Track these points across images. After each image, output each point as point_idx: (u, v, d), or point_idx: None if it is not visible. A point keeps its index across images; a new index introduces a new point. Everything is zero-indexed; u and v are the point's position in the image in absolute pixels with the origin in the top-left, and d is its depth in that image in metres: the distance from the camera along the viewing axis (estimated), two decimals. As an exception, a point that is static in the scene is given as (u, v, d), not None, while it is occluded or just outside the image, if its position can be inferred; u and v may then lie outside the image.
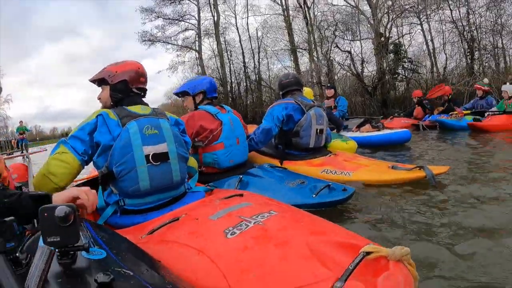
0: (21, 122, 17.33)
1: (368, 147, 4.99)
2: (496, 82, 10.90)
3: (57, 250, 0.74)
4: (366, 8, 16.46)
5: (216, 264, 1.02)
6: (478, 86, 7.34)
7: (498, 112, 6.39)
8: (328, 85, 7.28)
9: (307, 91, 4.85)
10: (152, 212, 1.66)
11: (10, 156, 15.04)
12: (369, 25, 16.34)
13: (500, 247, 1.58)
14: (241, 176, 2.53)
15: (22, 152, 15.72)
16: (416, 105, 8.74)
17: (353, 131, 5.54)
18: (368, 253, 0.85)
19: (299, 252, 0.99)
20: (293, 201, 2.10)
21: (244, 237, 1.12)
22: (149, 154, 1.63)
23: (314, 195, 2.27)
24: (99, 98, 1.91)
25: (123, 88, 1.83)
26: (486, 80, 8.08)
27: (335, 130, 5.02)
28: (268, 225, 1.19)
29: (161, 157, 1.68)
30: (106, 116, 1.66)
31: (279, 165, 3.10)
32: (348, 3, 16.93)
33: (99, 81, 1.87)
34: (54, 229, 0.72)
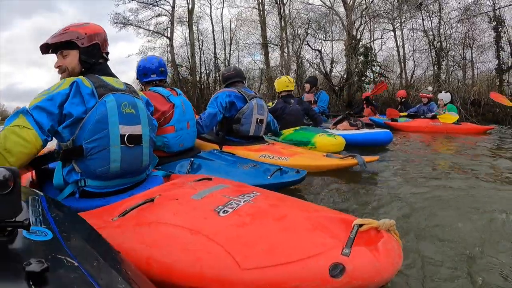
0: None
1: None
2: (460, 91, 11.11)
3: None
4: (341, 9, 16.37)
5: (216, 242, 0.99)
6: (423, 94, 7.97)
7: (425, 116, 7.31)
8: (306, 79, 7.23)
9: (283, 79, 4.83)
10: (113, 196, 1.49)
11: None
12: (342, 26, 16.24)
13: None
14: (192, 159, 2.50)
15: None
16: (365, 105, 9.43)
17: (329, 128, 5.12)
18: (360, 226, 0.97)
19: (301, 225, 1.05)
20: (249, 182, 1.98)
21: (239, 214, 1.13)
22: (125, 135, 1.49)
23: (268, 177, 2.29)
24: (59, 66, 1.62)
25: (95, 53, 1.62)
26: (430, 88, 8.87)
27: (311, 126, 5.00)
28: (259, 204, 1.21)
29: (135, 140, 1.54)
30: (80, 83, 1.45)
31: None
32: (324, 3, 16.72)
33: (63, 44, 1.59)
34: None
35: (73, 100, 1.41)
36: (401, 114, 7.99)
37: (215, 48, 20.50)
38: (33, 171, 1.76)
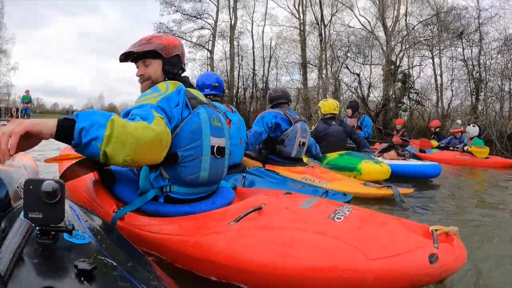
0: (27, 91, 17.12)
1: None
2: (497, 124, 11.09)
3: (37, 227, 0.69)
4: (381, 34, 16.66)
5: (343, 241, 1.20)
6: (454, 130, 8.14)
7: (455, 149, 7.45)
8: (349, 104, 7.10)
9: (332, 102, 4.93)
10: (196, 203, 1.59)
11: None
12: (381, 51, 16.51)
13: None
14: (244, 174, 2.65)
15: (23, 122, 15.80)
16: (394, 132, 9.45)
17: (374, 155, 5.02)
18: (435, 230, 1.21)
19: (399, 228, 1.29)
20: None
21: (351, 220, 1.33)
22: (215, 146, 1.58)
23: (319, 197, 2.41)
24: (141, 75, 1.68)
25: (177, 63, 1.70)
26: (459, 122, 9.01)
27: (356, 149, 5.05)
28: (359, 213, 1.42)
29: (221, 151, 1.63)
30: (182, 91, 1.51)
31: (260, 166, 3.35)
32: (364, 27, 17.14)
33: (146, 53, 1.65)
34: (37, 205, 0.68)
35: (178, 107, 1.46)
36: (434, 144, 8.11)
37: (254, 64, 21.35)
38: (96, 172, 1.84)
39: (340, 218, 1.33)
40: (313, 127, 4.83)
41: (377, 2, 16.43)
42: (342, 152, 4.47)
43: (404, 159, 4.81)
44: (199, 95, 1.68)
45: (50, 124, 1.01)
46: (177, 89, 1.50)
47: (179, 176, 1.51)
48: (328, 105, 4.86)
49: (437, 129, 9.60)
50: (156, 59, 1.65)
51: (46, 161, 2.34)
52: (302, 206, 1.43)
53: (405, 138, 8.75)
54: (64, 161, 2.66)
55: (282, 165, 3.47)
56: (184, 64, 1.77)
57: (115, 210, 1.58)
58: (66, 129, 1.04)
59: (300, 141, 3.58)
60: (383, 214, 1.54)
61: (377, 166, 3.94)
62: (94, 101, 77.46)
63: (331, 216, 1.34)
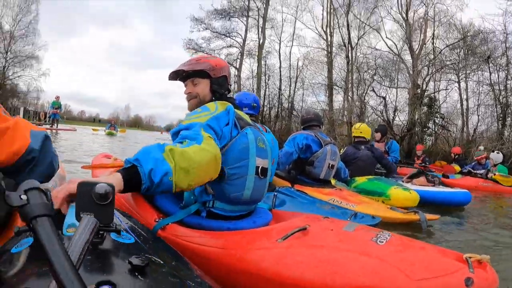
0: (57, 97, 17.80)
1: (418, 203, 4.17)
2: None
3: None
4: (407, 57, 16.70)
5: (388, 262, 1.27)
6: (478, 157, 8.11)
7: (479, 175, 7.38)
8: (376, 127, 7.14)
9: (365, 128, 4.97)
10: (237, 220, 1.63)
11: (38, 127, 16.05)
12: (407, 75, 16.49)
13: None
14: (275, 193, 2.66)
15: (51, 126, 16.70)
16: (416, 157, 9.50)
17: (403, 181, 5.03)
18: (469, 258, 1.25)
19: (436, 253, 1.34)
20: None
21: (392, 244, 1.40)
22: (259, 166, 1.60)
23: (348, 219, 2.47)
24: (189, 93, 1.74)
25: (224, 84, 1.75)
26: (481, 148, 9.10)
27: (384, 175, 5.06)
28: (398, 238, 1.48)
29: (264, 172, 1.65)
30: (231, 111, 1.54)
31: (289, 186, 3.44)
32: (391, 50, 17.23)
33: (195, 73, 1.71)
34: (89, 205, 0.72)
35: (228, 126, 1.49)
36: (456, 168, 8.11)
37: (280, 84, 21.72)
38: None
39: (382, 242, 1.39)
40: (341, 151, 4.83)
41: (404, 25, 16.49)
42: (370, 177, 4.49)
43: (433, 185, 4.79)
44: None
45: (115, 181, 0.99)
46: (227, 109, 1.52)
47: (224, 192, 1.54)
48: (361, 129, 4.91)
49: (457, 156, 9.62)
50: (205, 78, 1.70)
51: (83, 167, 2.47)
52: (345, 229, 1.49)
53: (424, 164, 8.71)
54: (99, 169, 2.83)
55: (310, 186, 3.54)
56: (230, 85, 1.81)
57: (157, 220, 1.63)
58: (132, 179, 1.07)
59: (329, 164, 3.66)
60: (419, 240, 1.62)
61: (406, 193, 3.95)
62: (120, 111, 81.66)
63: (373, 240, 1.40)
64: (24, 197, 0.62)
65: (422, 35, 16.18)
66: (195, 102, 1.73)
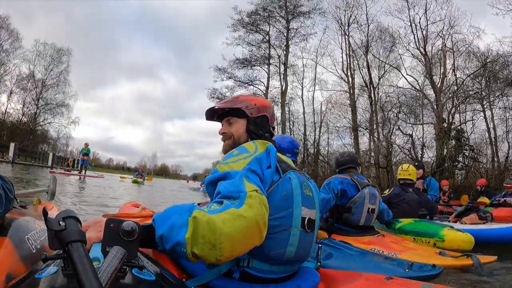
0: (86, 144, 18.63)
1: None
2: None
3: None
4: (430, 92, 16.97)
5: None
6: (508, 184, 7.70)
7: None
8: (416, 164, 6.92)
9: (413, 170, 4.86)
10: (277, 284, 1.38)
11: (67, 172, 17.06)
12: (431, 110, 16.59)
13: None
14: (319, 246, 2.49)
15: (80, 172, 17.64)
16: (441, 194, 9.07)
17: (449, 220, 4.79)
18: None
19: None
20: (390, 273, 2.07)
21: None
22: (306, 218, 1.38)
23: (406, 270, 2.39)
24: (224, 133, 1.61)
25: (263, 125, 1.60)
26: None
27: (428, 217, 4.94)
28: None
29: (311, 225, 1.43)
30: (272, 152, 1.35)
31: (327, 237, 3.33)
32: (413, 86, 17.52)
33: (231, 111, 1.60)
34: (115, 241, 0.76)
35: (269, 169, 1.31)
36: (482, 201, 7.66)
37: (305, 129, 22.30)
38: None
39: None
40: (387, 192, 4.71)
41: (423, 60, 16.84)
42: (415, 218, 4.36)
43: (486, 222, 4.52)
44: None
45: None
46: (267, 150, 1.35)
47: (262, 249, 1.28)
48: (410, 171, 4.79)
49: (484, 188, 9.21)
50: (241, 118, 1.58)
51: (104, 216, 2.36)
52: None
53: (448, 201, 8.59)
54: (124, 219, 3.05)
55: (349, 235, 3.34)
56: (273, 128, 1.66)
57: None
58: (149, 239, 1.01)
59: (368, 208, 3.43)
60: None
61: (461, 234, 3.72)
62: (147, 159, 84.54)
63: None
64: (62, 223, 0.69)
65: (442, 67, 16.42)
66: (229, 143, 1.58)
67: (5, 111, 28.43)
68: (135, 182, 18.83)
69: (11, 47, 27.55)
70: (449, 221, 4.69)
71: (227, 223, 0.98)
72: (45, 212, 0.72)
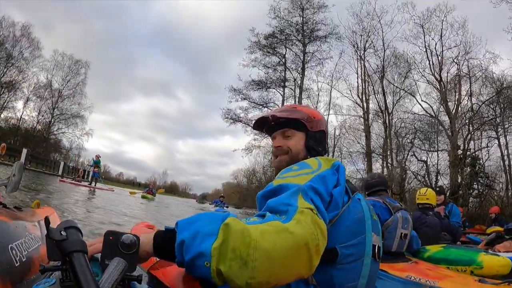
0: (97, 156, 19.02)
1: None
2: None
3: None
4: (445, 118, 17.21)
5: None
6: None
7: None
8: (437, 189, 6.80)
9: (432, 194, 4.76)
10: None
11: (77, 183, 17.41)
12: (446, 136, 16.80)
13: None
14: None
15: (90, 184, 17.94)
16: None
17: (479, 247, 4.65)
18: None
19: None
20: None
21: None
22: (375, 245, 1.24)
23: None
24: (278, 146, 1.41)
25: (321, 141, 1.45)
26: None
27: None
28: None
29: (379, 253, 1.27)
30: (342, 169, 1.21)
31: None
32: (427, 112, 17.82)
33: (288, 123, 1.42)
34: (114, 253, 0.77)
35: (338, 187, 1.14)
36: (494, 229, 7.66)
37: (318, 153, 22.20)
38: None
39: None
40: None
41: (438, 86, 17.11)
42: (443, 244, 4.20)
43: None
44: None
45: (146, 240, 0.86)
46: (333, 166, 1.18)
47: (333, 282, 1.13)
48: (428, 195, 4.69)
49: (497, 216, 9.21)
50: (300, 131, 1.42)
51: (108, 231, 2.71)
52: None
53: (463, 229, 8.32)
54: None
55: (382, 261, 3.46)
56: (328, 145, 1.53)
57: None
58: (167, 244, 0.85)
59: (401, 233, 3.30)
60: None
61: (500, 259, 3.56)
62: (158, 176, 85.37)
63: None
64: (63, 233, 0.70)
65: (457, 94, 16.66)
66: (285, 159, 1.39)
67: (20, 117, 29.46)
68: (144, 197, 18.46)
69: (31, 55, 28.60)
70: (479, 248, 4.54)
71: (266, 236, 0.79)
72: (47, 221, 0.69)
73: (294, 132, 1.41)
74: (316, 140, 1.42)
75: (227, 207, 17.97)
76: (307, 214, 0.88)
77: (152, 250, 0.87)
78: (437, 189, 7.18)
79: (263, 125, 1.52)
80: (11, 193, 2.56)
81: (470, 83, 16.49)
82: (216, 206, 17.34)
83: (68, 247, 0.68)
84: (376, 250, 1.24)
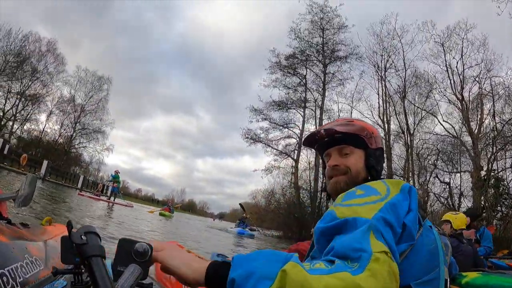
0: (116, 171, 19.52)
1: None
2: None
3: None
4: (468, 138, 17.15)
5: None
6: None
7: None
8: (464, 211, 6.61)
9: (461, 216, 4.69)
10: None
11: (96, 197, 17.94)
12: (469, 157, 16.76)
13: None
14: None
15: (109, 198, 18.45)
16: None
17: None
18: None
19: None
20: None
21: None
22: (447, 279, 1.08)
23: None
24: (335, 166, 1.21)
25: (380, 160, 1.26)
26: None
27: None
28: None
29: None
30: (414, 194, 1.00)
31: None
32: (449, 133, 17.80)
33: (346, 137, 1.22)
34: (127, 261, 0.78)
35: (411, 214, 0.94)
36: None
37: (338, 174, 22.18)
38: None
39: None
40: None
41: (460, 106, 17.13)
42: (482, 271, 4.06)
43: None
44: None
45: (199, 269, 0.81)
46: (403, 190, 0.97)
47: None
48: (461, 219, 4.55)
49: None
50: (359, 148, 1.23)
51: None
52: None
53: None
54: None
55: None
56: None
57: None
58: (218, 278, 0.78)
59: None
60: None
61: None
62: (176, 194, 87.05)
63: None
64: (84, 237, 0.73)
65: (479, 113, 16.59)
66: (344, 179, 1.21)
67: (43, 129, 30.67)
68: (162, 215, 18.65)
69: (55, 70, 30.01)
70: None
71: None
72: (70, 226, 0.73)
73: (353, 149, 1.22)
74: (376, 159, 1.23)
75: (251, 229, 17.67)
76: (384, 263, 0.74)
77: (204, 280, 0.82)
78: (469, 210, 6.97)
79: (315, 142, 1.31)
80: (21, 207, 2.30)
81: (493, 102, 16.49)
82: (237, 227, 17.35)
83: (88, 251, 0.71)
84: (448, 285, 1.08)
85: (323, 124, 21.35)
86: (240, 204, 21.83)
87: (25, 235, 1.43)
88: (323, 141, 1.27)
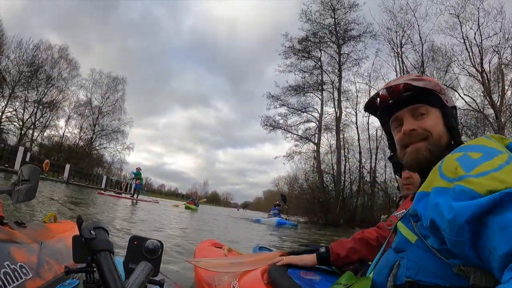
0: (138, 168, 19.87)
1: None
2: None
3: None
4: (490, 111, 17.09)
5: None
6: None
7: None
8: None
9: None
10: None
11: (117, 195, 18.38)
12: (492, 130, 16.68)
13: None
14: None
15: (132, 196, 19.03)
16: None
17: None
18: None
19: None
20: None
21: None
22: None
23: None
24: (412, 130, 1.02)
25: (456, 119, 1.09)
26: None
27: None
28: None
29: None
30: None
31: None
32: (471, 107, 17.76)
33: (418, 96, 1.03)
34: (138, 258, 0.83)
35: None
36: None
37: (360, 156, 22.76)
38: None
39: None
40: None
41: (480, 78, 16.91)
42: None
43: None
44: None
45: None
46: (510, 146, 0.81)
47: None
48: None
49: None
50: (434, 107, 1.04)
51: (186, 261, 2.36)
52: None
53: None
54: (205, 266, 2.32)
55: None
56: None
57: None
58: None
59: None
60: None
61: None
62: (199, 187, 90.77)
63: None
64: (93, 232, 0.75)
65: (500, 85, 16.36)
66: (424, 146, 1.01)
67: (63, 134, 32.17)
68: (187, 208, 19.01)
69: (69, 75, 31.25)
70: None
71: None
72: (80, 220, 0.74)
73: (429, 108, 1.04)
74: (455, 119, 1.08)
75: (286, 218, 17.57)
76: None
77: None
78: None
79: (381, 104, 1.13)
80: (21, 203, 1.91)
81: (515, 70, 16.28)
82: (271, 217, 17.35)
83: (97, 245, 0.72)
84: None
85: (341, 105, 21.64)
86: (282, 195, 20.99)
87: (14, 236, 1.29)
88: (389, 103, 1.09)
